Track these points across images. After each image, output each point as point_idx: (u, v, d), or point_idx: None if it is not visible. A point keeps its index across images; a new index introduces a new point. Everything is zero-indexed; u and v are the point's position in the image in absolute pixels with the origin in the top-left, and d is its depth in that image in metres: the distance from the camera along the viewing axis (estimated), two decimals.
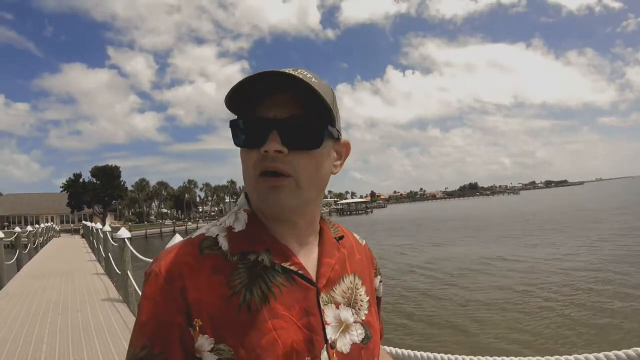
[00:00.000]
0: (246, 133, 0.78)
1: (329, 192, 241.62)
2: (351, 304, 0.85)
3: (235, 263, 0.76)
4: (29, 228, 21.28)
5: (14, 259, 13.98)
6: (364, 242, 1.03)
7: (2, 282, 10.64)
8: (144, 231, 54.71)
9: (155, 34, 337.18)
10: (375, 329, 0.88)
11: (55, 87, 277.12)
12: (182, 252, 0.77)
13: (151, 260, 2.36)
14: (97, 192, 68.79)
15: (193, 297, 0.71)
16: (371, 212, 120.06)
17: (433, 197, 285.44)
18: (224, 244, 0.79)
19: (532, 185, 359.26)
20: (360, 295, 0.88)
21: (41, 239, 23.22)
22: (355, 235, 1.03)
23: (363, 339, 0.82)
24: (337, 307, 0.81)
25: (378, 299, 1.00)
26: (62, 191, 71.18)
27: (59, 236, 35.03)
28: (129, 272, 7.70)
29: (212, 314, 0.71)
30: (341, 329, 0.80)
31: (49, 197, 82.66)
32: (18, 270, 13.27)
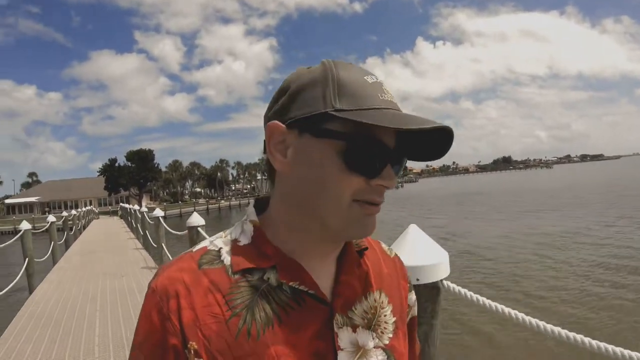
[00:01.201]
0: (360, 157, 0.65)
1: None
2: (372, 326, 0.76)
3: (237, 280, 0.69)
4: (73, 212, 22.72)
5: (63, 239, 15.39)
6: (393, 253, 0.93)
7: (56, 259, 12.03)
8: (179, 210, 56.41)
9: (181, 17, 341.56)
10: (401, 353, 0.79)
11: (86, 74, 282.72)
12: (179, 268, 0.70)
13: (184, 232, 4.21)
14: (132, 175, 71.07)
15: (187, 318, 0.65)
16: (402, 186, 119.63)
17: (466, 170, 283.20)
18: (226, 258, 0.71)
19: (567, 159, 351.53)
20: (385, 315, 0.79)
21: (83, 221, 24.83)
22: (383, 245, 0.93)
23: None
24: (355, 331, 0.73)
25: (412, 320, 0.90)
26: (98, 176, 73.73)
27: (99, 218, 36.77)
28: (163, 245, 9.04)
29: (208, 336, 0.65)
30: (358, 355, 0.72)
31: (87, 181, 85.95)
32: (67, 249, 14.70)
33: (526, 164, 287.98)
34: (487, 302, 1.89)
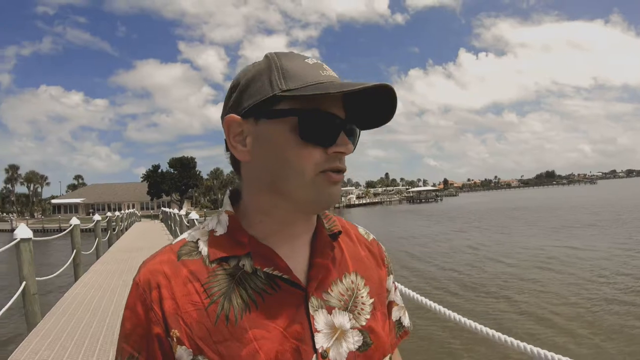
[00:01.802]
0: (313, 128, 0.69)
1: (401, 179, 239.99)
2: (349, 307, 0.77)
3: (214, 269, 0.71)
4: (117, 214, 24.00)
5: (106, 238, 16.46)
6: (371, 236, 0.95)
7: (99, 254, 13.09)
8: None
9: (224, 28, 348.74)
10: (378, 334, 0.79)
11: (131, 82, 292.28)
12: (159, 260, 0.73)
13: None
14: (174, 182, 72.98)
15: (169, 307, 0.68)
16: (441, 200, 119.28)
17: (508, 185, 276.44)
18: (203, 249, 0.74)
19: (613, 175, 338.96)
20: (362, 297, 0.80)
21: (125, 223, 26.06)
22: (360, 229, 0.95)
23: (360, 347, 0.75)
24: (330, 312, 0.74)
25: (389, 304, 0.91)
26: (142, 181, 76.15)
27: (140, 221, 38.19)
28: None
29: (189, 324, 0.67)
30: (335, 336, 0.73)
31: (130, 186, 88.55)
32: (109, 246, 15.91)
33: (570, 179, 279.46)
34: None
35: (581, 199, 62.72)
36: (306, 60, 0.73)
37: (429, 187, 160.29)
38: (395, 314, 0.93)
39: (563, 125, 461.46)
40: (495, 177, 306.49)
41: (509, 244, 21.91)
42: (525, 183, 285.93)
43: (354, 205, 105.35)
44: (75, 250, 9.81)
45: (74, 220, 10.34)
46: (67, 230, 10.02)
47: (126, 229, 25.31)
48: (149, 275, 0.71)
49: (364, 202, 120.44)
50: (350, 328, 0.75)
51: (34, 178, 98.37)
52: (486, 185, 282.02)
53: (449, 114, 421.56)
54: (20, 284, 5.66)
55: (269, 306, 0.70)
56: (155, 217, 45.58)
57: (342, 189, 0.79)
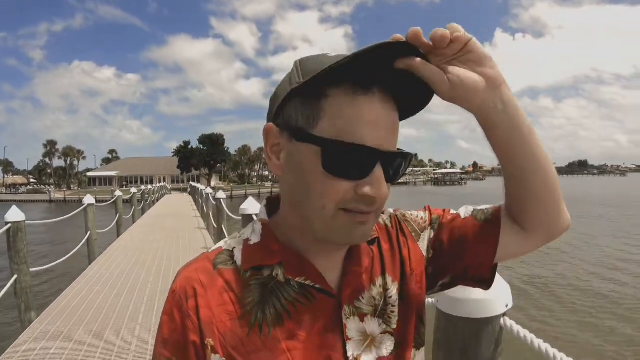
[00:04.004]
0: (337, 161, 0.62)
1: (430, 160, 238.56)
2: (378, 312, 0.76)
3: (248, 279, 0.71)
4: (150, 186, 27.08)
5: (140, 207, 19.29)
6: (387, 214, 0.88)
7: (135, 219, 15.91)
8: (244, 191, 59.88)
9: (256, 3, 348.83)
10: (406, 336, 0.78)
11: (163, 58, 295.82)
12: (195, 268, 0.72)
13: (239, 218, 5.48)
14: (203, 157, 76.31)
15: (205, 316, 0.68)
16: (465, 183, 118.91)
17: None
18: (238, 258, 0.73)
19: None
20: (391, 297, 0.78)
21: (157, 195, 28.86)
22: (382, 216, 0.87)
23: (392, 351, 0.75)
24: (362, 320, 0.73)
25: (431, 238, 0.85)
26: (173, 155, 79.64)
27: (171, 194, 41.16)
28: (223, 227, 9.67)
29: (224, 333, 0.67)
30: (366, 343, 0.73)
31: (162, 160, 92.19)
32: (143, 214, 18.71)
33: (602, 170, 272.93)
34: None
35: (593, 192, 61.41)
36: (327, 54, 0.65)
37: (455, 170, 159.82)
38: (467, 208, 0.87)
39: (600, 113, 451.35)
40: None
41: None
42: (556, 171, 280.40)
43: None
44: (118, 215, 12.60)
45: (118, 192, 13.30)
46: (112, 200, 12.84)
47: (158, 200, 28.08)
48: (186, 283, 0.70)
49: None
50: (380, 333, 0.75)
51: (71, 152, 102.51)
52: None
53: None
54: (86, 233, 8.68)
55: (302, 316, 0.69)
56: (185, 190, 48.16)
57: None
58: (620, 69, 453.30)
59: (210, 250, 0.77)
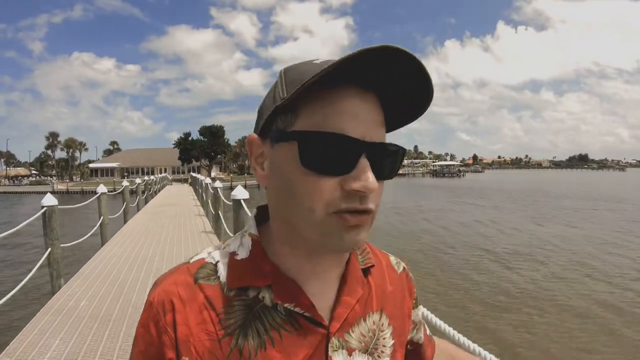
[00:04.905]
0: (315, 153, 0.58)
1: (429, 152, 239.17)
2: (369, 350, 0.71)
3: (231, 298, 0.66)
4: (152, 177, 27.98)
5: (144, 196, 20.50)
6: (401, 267, 0.86)
7: (139, 208, 17.22)
8: (244, 182, 60.79)
9: None
10: None
11: (163, 48, 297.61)
12: (174, 281, 0.67)
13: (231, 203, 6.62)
14: (204, 148, 76.97)
15: (181, 334, 0.63)
16: (463, 175, 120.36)
17: (539, 165, 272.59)
18: (222, 273, 0.68)
19: None
20: (384, 339, 0.74)
21: (158, 186, 29.90)
22: (391, 258, 0.86)
23: None
24: (350, 354, 0.68)
25: (418, 325, 0.88)
26: (174, 147, 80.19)
27: (171, 184, 42.21)
28: (220, 213, 10.92)
29: (202, 353, 0.63)
30: None
31: (162, 151, 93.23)
32: (145, 203, 19.96)
33: (601, 164, 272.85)
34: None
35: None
36: (314, 62, 0.60)
37: (453, 162, 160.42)
38: (428, 332, 0.94)
39: (601, 107, 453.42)
40: (526, 156, 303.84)
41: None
42: (556, 164, 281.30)
43: None
44: (125, 203, 13.94)
45: (125, 183, 14.62)
46: (119, 190, 14.18)
47: (159, 191, 29.20)
48: (164, 297, 0.65)
49: None
50: None
51: (73, 144, 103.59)
52: (516, 163, 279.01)
53: (485, 89, 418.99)
54: (99, 218, 10.02)
55: (286, 344, 0.64)
56: (185, 181, 49.47)
57: None
58: (623, 63, 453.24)
59: (191, 261, 0.71)
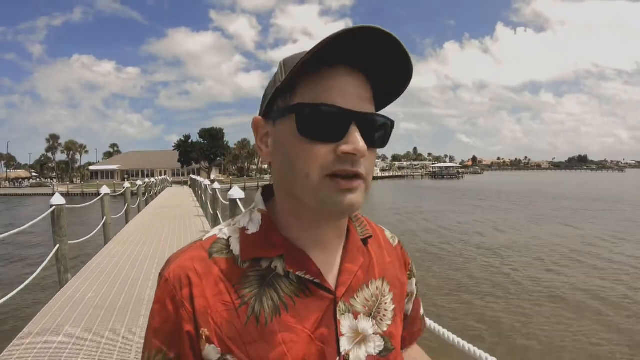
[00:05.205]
0: (311, 122, 0.64)
1: (429, 154, 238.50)
2: (372, 313, 0.77)
3: (245, 269, 0.70)
4: (152, 179, 28.47)
5: (145, 198, 20.81)
6: (396, 241, 0.93)
7: (140, 209, 17.52)
8: (243, 184, 60.83)
9: None
10: (398, 340, 0.81)
11: (162, 51, 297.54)
12: (189, 257, 0.71)
13: (227, 202, 7.03)
14: (203, 151, 77.22)
15: (199, 305, 0.67)
16: (462, 177, 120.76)
17: (538, 166, 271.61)
18: (235, 247, 0.72)
19: None
20: (386, 303, 0.80)
21: (158, 188, 30.12)
22: (387, 232, 0.93)
23: (381, 352, 0.76)
24: (356, 317, 0.74)
25: (416, 303, 0.95)
26: (173, 149, 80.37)
27: (171, 186, 42.35)
28: (218, 213, 11.19)
29: (220, 323, 0.66)
30: (357, 340, 0.73)
31: (162, 154, 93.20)
32: (146, 204, 20.25)
33: (601, 166, 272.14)
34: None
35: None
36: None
37: (452, 164, 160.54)
38: (422, 311, 0.99)
39: (601, 109, 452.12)
40: (526, 157, 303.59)
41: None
42: (556, 165, 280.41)
43: (377, 178, 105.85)
44: (127, 204, 14.29)
45: (127, 184, 15.08)
46: (121, 192, 14.65)
47: (159, 193, 29.47)
48: (180, 272, 0.69)
49: (387, 175, 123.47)
50: (373, 333, 0.75)
51: (74, 147, 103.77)
52: (515, 165, 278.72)
53: (484, 90, 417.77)
54: (103, 218, 10.41)
55: (299, 310, 0.69)
56: (185, 183, 49.72)
57: None
58: (622, 64, 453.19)
59: (204, 239, 0.75)
